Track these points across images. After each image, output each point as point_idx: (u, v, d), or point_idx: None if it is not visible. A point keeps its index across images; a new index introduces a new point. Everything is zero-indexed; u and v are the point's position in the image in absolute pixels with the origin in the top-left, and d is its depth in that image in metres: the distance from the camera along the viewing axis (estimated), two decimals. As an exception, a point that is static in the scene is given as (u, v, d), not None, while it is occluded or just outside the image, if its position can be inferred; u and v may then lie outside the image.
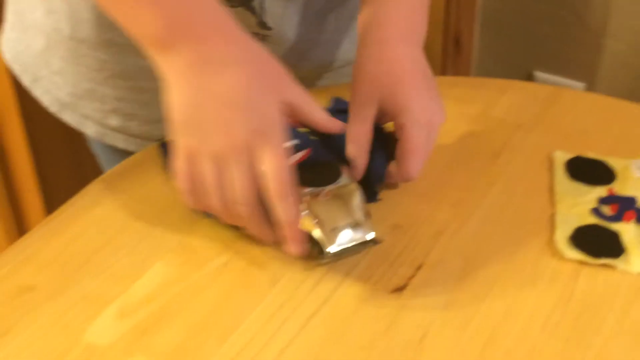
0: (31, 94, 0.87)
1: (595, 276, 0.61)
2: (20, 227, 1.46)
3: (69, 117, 0.86)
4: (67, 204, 0.68)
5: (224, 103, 0.58)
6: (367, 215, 0.62)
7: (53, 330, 0.56)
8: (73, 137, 1.18)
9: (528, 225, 0.66)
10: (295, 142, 0.63)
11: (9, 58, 0.89)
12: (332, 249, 0.60)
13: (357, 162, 0.65)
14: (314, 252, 0.61)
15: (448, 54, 1.71)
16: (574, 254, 0.62)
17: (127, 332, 0.56)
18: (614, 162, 0.72)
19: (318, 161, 0.64)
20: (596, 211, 0.67)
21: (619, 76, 1.68)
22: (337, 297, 0.59)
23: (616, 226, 0.65)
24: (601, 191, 0.69)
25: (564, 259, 0.62)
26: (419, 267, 0.62)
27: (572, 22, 1.67)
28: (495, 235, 0.65)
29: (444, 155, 0.74)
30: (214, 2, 0.62)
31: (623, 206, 0.67)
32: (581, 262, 0.62)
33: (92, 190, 0.71)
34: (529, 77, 1.78)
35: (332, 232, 0.60)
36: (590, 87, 1.71)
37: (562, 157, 0.73)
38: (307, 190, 0.61)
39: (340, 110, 0.69)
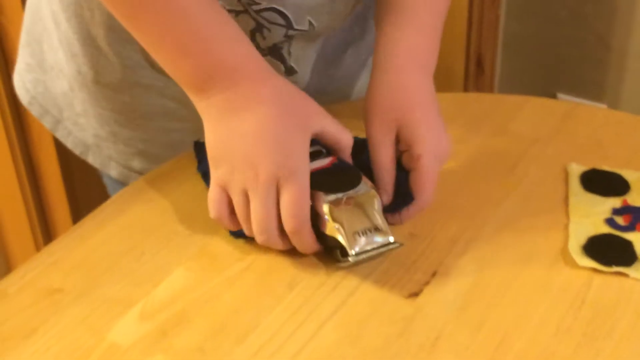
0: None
1: (607, 284, 0.62)
2: (48, 234, 1.49)
3: (92, 159, 0.87)
4: (93, 212, 0.71)
5: (252, 140, 0.62)
6: (386, 221, 0.63)
7: (78, 330, 0.58)
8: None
9: (542, 234, 0.67)
10: (319, 148, 0.66)
11: (27, 100, 0.89)
12: (354, 252, 0.61)
13: (387, 187, 0.67)
14: (335, 255, 0.63)
15: (470, 75, 1.72)
16: (587, 262, 0.63)
17: (149, 333, 0.58)
18: (628, 174, 0.73)
19: (339, 167, 0.66)
20: (610, 221, 0.68)
21: (641, 98, 1.68)
22: (353, 301, 0.61)
23: (629, 236, 0.66)
24: (615, 202, 0.70)
25: (577, 267, 0.63)
26: (433, 274, 0.63)
27: (593, 44, 1.68)
28: (509, 243, 0.66)
29: (462, 167, 0.76)
30: (245, 45, 0.65)
31: (636, 216, 0.68)
32: (594, 270, 0.63)
33: (118, 199, 0.73)
34: (552, 98, 1.79)
35: (353, 236, 0.62)
36: (613, 108, 1.72)
37: (577, 169, 0.74)
38: (329, 197, 0.63)
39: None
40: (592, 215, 0.69)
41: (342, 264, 0.63)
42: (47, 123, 0.88)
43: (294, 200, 0.61)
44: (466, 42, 1.66)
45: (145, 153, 0.84)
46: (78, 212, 1.42)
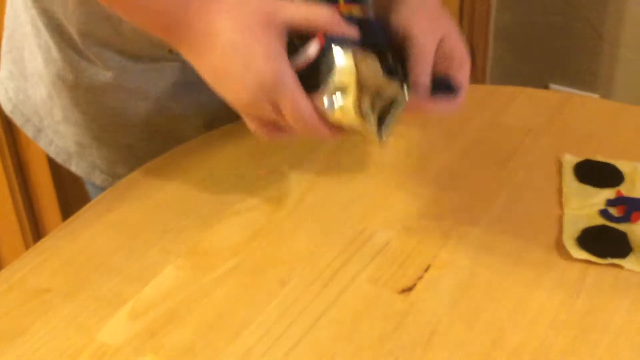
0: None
1: (602, 276, 0.62)
2: (38, 235, 1.48)
3: (75, 167, 0.85)
4: (82, 210, 0.70)
5: (224, 73, 0.59)
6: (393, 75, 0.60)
7: (68, 330, 0.57)
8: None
9: (536, 227, 0.66)
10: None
11: (9, 109, 0.87)
12: (379, 136, 0.59)
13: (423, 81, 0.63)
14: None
15: (462, 66, 1.72)
16: (582, 254, 0.63)
17: (139, 333, 0.57)
18: (622, 165, 0.73)
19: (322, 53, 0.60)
20: (604, 212, 0.67)
21: (634, 86, 1.68)
22: (346, 297, 0.60)
23: (624, 227, 0.65)
24: (609, 193, 0.69)
25: (572, 258, 0.63)
26: (427, 268, 0.62)
27: (585, 34, 1.67)
28: (503, 236, 0.66)
29: (455, 160, 0.75)
30: None
31: (631, 207, 0.67)
32: (589, 262, 0.62)
33: (107, 196, 0.72)
34: (545, 89, 1.78)
35: (366, 118, 0.59)
36: (605, 98, 1.72)
37: (571, 160, 0.74)
38: (323, 93, 0.59)
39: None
40: (586, 206, 0.68)
41: (377, 136, 0.59)
42: (28, 131, 0.87)
43: (290, 110, 0.58)
44: (458, 34, 1.66)
45: (130, 158, 0.83)
46: (68, 212, 1.41)
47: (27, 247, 1.47)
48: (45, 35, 0.78)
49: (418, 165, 0.75)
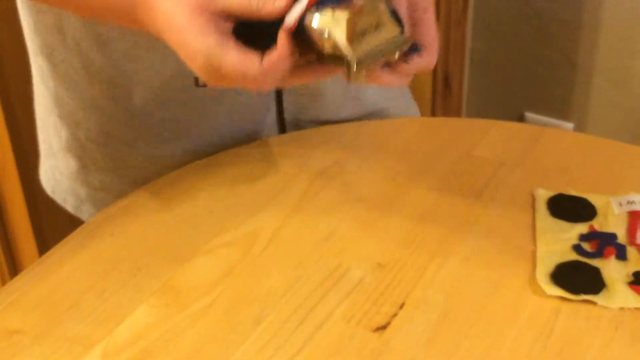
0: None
1: (576, 312, 0.62)
2: (14, 269, 1.47)
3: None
4: (54, 248, 0.69)
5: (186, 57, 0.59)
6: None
7: (38, 373, 0.57)
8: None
9: (510, 262, 0.67)
10: None
11: (50, 190, 0.91)
12: (354, 59, 0.55)
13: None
14: (345, 72, 0.57)
15: (438, 94, 1.73)
16: (555, 291, 0.63)
17: (112, 374, 0.57)
18: (594, 199, 0.73)
19: None
20: (577, 247, 0.67)
21: (608, 115, 1.69)
22: (320, 336, 0.60)
23: (597, 262, 0.66)
24: (582, 228, 0.70)
25: (546, 295, 0.63)
26: (401, 306, 0.62)
27: (560, 63, 1.69)
28: (477, 272, 0.66)
29: (429, 194, 0.75)
30: None
31: (603, 242, 0.67)
32: (562, 299, 0.63)
33: (79, 234, 0.72)
34: (520, 118, 1.80)
35: (351, 41, 0.55)
36: (580, 127, 1.73)
37: (543, 194, 0.74)
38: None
39: None
40: (560, 241, 0.68)
41: (351, 78, 0.56)
42: (70, 208, 0.90)
43: (237, 71, 0.57)
44: (433, 63, 1.67)
45: None
46: (44, 242, 1.40)
47: (3, 282, 1.46)
48: (68, 103, 0.82)
49: (392, 199, 0.75)
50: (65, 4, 0.69)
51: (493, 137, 0.85)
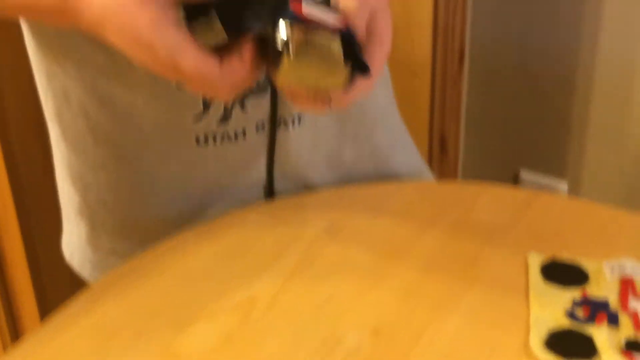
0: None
1: (569, 378, 0.63)
2: (15, 331, 1.47)
3: None
4: (56, 313, 0.70)
5: (133, 53, 0.57)
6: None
7: None
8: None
9: (504, 328, 0.68)
10: None
11: (68, 256, 0.93)
12: (294, 53, 0.56)
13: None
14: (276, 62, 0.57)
15: (434, 155, 1.75)
16: (548, 357, 0.64)
17: None
18: (587, 263, 0.75)
19: None
20: (570, 314, 0.69)
21: (602, 174, 1.72)
22: (317, 402, 0.61)
23: (589, 329, 0.67)
24: (575, 293, 0.71)
25: (539, 361, 0.64)
26: (397, 372, 0.63)
27: (554, 122, 1.72)
28: (472, 338, 0.67)
29: (423, 259, 0.76)
30: None
31: (595, 309, 0.69)
32: (555, 364, 0.64)
33: (83, 298, 0.73)
34: (515, 177, 1.82)
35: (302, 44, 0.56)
36: (574, 186, 1.75)
37: (536, 259, 0.76)
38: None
39: None
40: (553, 307, 0.70)
41: (282, 65, 0.56)
42: (85, 275, 0.91)
43: (194, 75, 0.56)
44: (429, 123, 1.70)
45: None
46: (46, 304, 1.40)
47: (3, 343, 1.46)
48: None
49: (388, 265, 0.76)
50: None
51: (487, 200, 0.87)
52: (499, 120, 1.78)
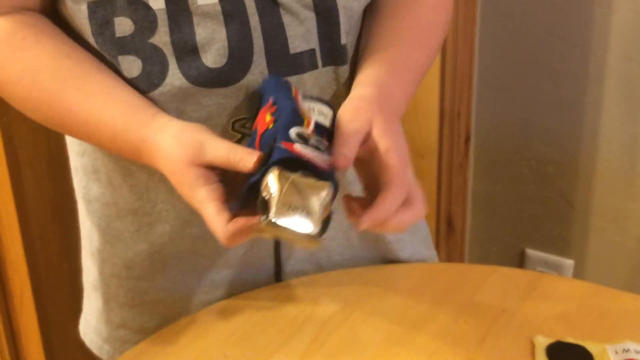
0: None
1: None
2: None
3: None
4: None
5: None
6: (327, 214, 0.66)
7: None
8: (80, 309, 1.21)
9: (511, 410, 0.69)
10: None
11: (82, 333, 0.97)
12: (273, 218, 0.64)
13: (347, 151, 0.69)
14: (258, 208, 0.66)
15: (441, 235, 1.78)
16: None
17: None
18: (591, 346, 0.76)
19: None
20: (575, 395, 0.70)
21: (607, 253, 1.73)
22: None
23: (594, 410, 0.68)
24: (580, 375, 0.73)
25: None
26: None
27: (558, 203, 1.75)
28: (480, 420, 0.68)
29: (431, 341, 0.78)
30: (135, 115, 0.74)
31: (600, 391, 0.70)
32: None
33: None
34: (521, 255, 1.83)
35: (284, 206, 0.64)
36: (580, 264, 1.76)
37: (542, 342, 0.77)
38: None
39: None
40: (559, 389, 0.71)
41: (260, 223, 0.65)
42: (94, 349, 0.95)
43: (209, 225, 0.68)
44: (436, 204, 1.73)
45: None
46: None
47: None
48: (97, 240, 0.89)
49: (397, 346, 0.78)
50: (84, 138, 0.79)
51: (493, 283, 0.89)
52: (505, 202, 1.81)
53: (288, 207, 0.64)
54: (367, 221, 0.68)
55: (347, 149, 0.69)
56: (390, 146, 0.70)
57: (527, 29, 1.65)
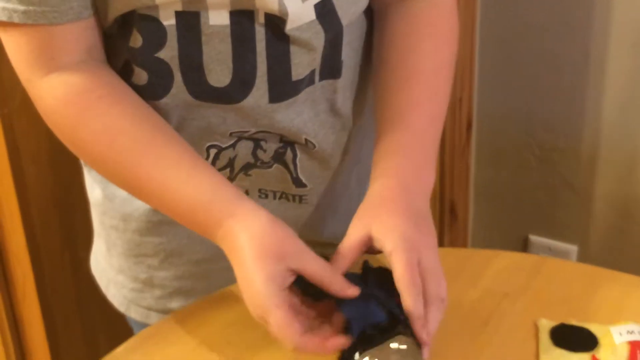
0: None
1: None
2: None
3: (134, 313, 0.92)
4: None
5: (241, 282, 0.68)
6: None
7: None
8: (85, 309, 1.23)
9: (515, 392, 0.69)
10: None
11: (93, 270, 0.98)
12: None
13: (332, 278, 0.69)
14: None
15: (444, 223, 1.77)
16: (559, 420, 0.65)
17: None
18: (595, 328, 0.76)
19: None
20: (580, 377, 0.70)
21: (610, 238, 1.73)
22: None
23: (599, 392, 0.68)
24: (585, 357, 0.73)
25: None
26: None
27: (561, 189, 1.74)
28: (484, 402, 0.68)
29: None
30: (217, 202, 0.71)
31: (605, 372, 0.70)
32: None
33: (103, 365, 0.75)
34: (524, 242, 1.83)
35: None
36: (583, 249, 1.76)
37: (546, 324, 0.77)
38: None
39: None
40: (563, 371, 0.71)
41: None
42: (103, 289, 0.96)
43: (275, 330, 0.65)
44: (440, 192, 1.72)
45: (181, 290, 0.89)
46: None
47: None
48: (98, 194, 0.89)
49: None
50: (157, 205, 0.76)
51: (496, 267, 0.88)
52: (508, 188, 1.80)
53: None
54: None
55: (337, 284, 0.69)
56: (392, 247, 0.69)
57: (529, 15, 1.64)
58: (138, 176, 0.72)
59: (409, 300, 0.67)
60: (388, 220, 0.70)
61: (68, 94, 0.72)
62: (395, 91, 0.80)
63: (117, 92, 0.74)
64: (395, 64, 0.81)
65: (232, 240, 0.68)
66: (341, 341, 0.66)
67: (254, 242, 0.67)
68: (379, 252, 0.70)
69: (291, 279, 0.67)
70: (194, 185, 0.71)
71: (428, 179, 0.78)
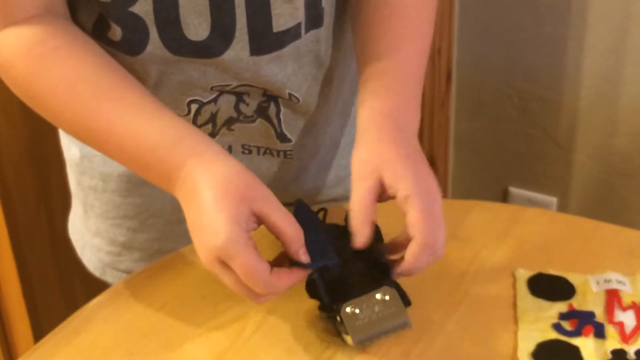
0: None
1: (557, 390, 0.64)
2: (8, 352, 1.47)
3: (110, 277, 0.90)
4: (50, 334, 0.71)
5: (194, 228, 0.64)
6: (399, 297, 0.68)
7: None
8: (62, 264, 1.21)
9: (492, 343, 0.69)
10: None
11: (70, 233, 0.97)
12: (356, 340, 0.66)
13: (359, 228, 0.67)
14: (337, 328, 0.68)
15: (423, 174, 1.76)
16: (536, 369, 0.65)
17: None
18: (573, 277, 0.76)
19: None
20: (557, 326, 0.70)
21: (590, 190, 1.73)
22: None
23: (576, 341, 0.68)
24: (562, 306, 0.72)
25: (527, 374, 0.65)
26: (387, 387, 0.64)
27: (542, 140, 1.74)
28: (461, 353, 0.68)
29: (413, 276, 0.77)
30: (185, 139, 0.68)
31: (582, 321, 0.70)
32: (543, 377, 0.65)
33: (75, 319, 0.73)
34: (504, 194, 1.83)
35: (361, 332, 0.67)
36: (563, 201, 1.77)
37: (524, 274, 0.77)
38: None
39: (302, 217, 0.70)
40: (540, 320, 0.71)
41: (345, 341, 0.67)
42: (78, 253, 0.95)
43: (242, 272, 0.62)
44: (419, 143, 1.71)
45: (161, 252, 0.88)
46: (39, 325, 1.41)
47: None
48: (74, 152, 0.88)
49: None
50: (118, 153, 0.73)
51: (475, 217, 0.88)
52: (488, 140, 1.80)
53: (365, 332, 0.67)
54: (396, 276, 0.69)
55: (361, 235, 0.68)
56: (408, 193, 0.67)
57: (509, -37, 1.62)
58: (98, 124, 0.70)
59: (416, 248, 0.66)
60: (398, 165, 0.68)
61: (22, 46, 0.70)
62: (376, 33, 0.78)
63: (74, 42, 0.71)
64: (376, 4, 0.79)
65: (192, 183, 0.65)
66: (306, 272, 0.65)
67: (216, 183, 0.64)
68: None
69: (254, 225, 0.64)
70: (158, 126, 0.68)
71: (416, 117, 0.77)
